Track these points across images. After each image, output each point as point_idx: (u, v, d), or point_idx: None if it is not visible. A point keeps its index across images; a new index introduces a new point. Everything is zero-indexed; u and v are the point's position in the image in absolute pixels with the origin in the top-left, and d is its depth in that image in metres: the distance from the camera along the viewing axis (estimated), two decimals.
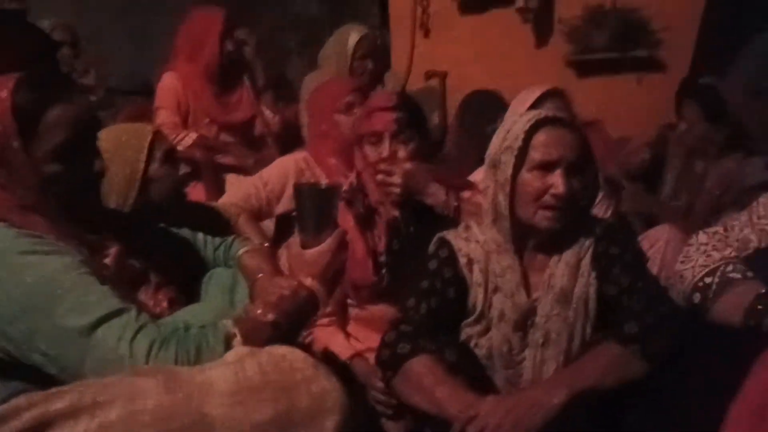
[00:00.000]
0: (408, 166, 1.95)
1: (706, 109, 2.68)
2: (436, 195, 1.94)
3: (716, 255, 1.62)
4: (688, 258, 1.66)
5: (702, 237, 1.68)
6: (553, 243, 1.58)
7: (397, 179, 1.93)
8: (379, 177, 1.95)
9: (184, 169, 2.02)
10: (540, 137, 1.53)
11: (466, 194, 2.01)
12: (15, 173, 1.26)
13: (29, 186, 1.27)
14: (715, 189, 2.68)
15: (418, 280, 1.62)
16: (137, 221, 1.61)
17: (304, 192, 1.41)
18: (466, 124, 3.05)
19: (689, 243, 1.70)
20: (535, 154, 1.52)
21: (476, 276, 1.59)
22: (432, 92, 3.65)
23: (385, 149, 1.97)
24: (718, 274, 1.59)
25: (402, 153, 1.97)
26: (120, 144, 1.78)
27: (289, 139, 3.22)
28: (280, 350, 0.76)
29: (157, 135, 1.90)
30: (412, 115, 2.03)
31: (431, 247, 1.67)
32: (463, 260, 1.60)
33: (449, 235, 1.65)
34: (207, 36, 2.96)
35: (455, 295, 1.59)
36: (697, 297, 1.59)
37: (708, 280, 1.59)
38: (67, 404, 0.63)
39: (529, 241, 1.60)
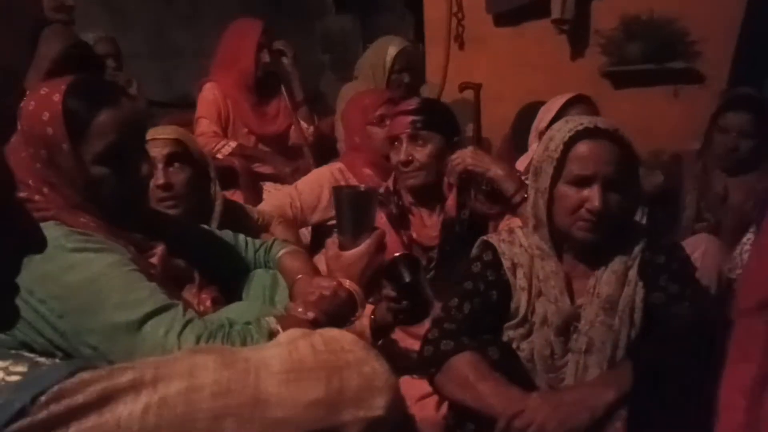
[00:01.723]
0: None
1: (761, 122, 2.62)
2: (506, 177, 1.99)
3: None
4: None
5: None
6: (598, 252, 1.57)
7: (468, 157, 2.01)
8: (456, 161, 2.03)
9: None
10: (578, 150, 1.51)
11: None
12: (65, 174, 1.29)
13: (79, 187, 1.30)
14: (746, 205, 2.63)
15: (461, 281, 1.63)
16: (182, 222, 1.64)
17: (343, 195, 1.43)
18: (514, 134, 3.08)
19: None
20: (573, 167, 1.51)
21: (520, 280, 1.59)
22: (466, 104, 3.66)
23: (402, 152, 2.01)
24: None
25: (418, 155, 2.02)
26: None
27: (325, 151, 3.26)
28: (332, 332, 0.78)
29: None
30: (431, 117, 2.06)
31: (474, 251, 1.67)
32: (507, 263, 1.60)
33: (492, 238, 1.66)
34: (244, 46, 3.02)
35: (498, 297, 1.59)
36: None
37: None
38: (130, 379, 0.65)
39: (570, 248, 1.59)
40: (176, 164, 1.89)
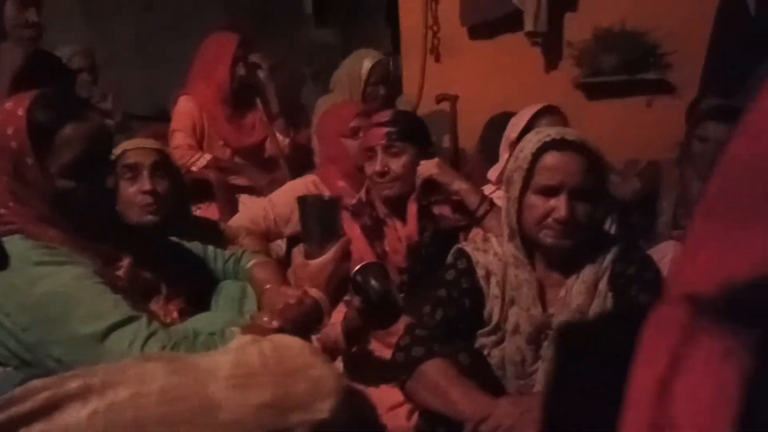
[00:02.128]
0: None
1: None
2: (469, 190, 2.04)
3: None
4: None
5: None
6: (570, 261, 1.60)
7: (433, 166, 2.07)
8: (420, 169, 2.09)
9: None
10: (546, 160, 1.54)
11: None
12: (30, 187, 1.29)
13: (45, 200, 1.30)
14: None
15: (435, 288, 1.65)
16: (149, 234, 1.64)
17: (308, 203, 1.45)
18: (484, 144, 3.10)
19: None
20: (539, 178, 1.54)
21: (493, 288, 1.61)
22: (443, 116, 3.69)
23: (378, 162, 2.04)
24: None
25: (394, 166, 2.05)
26: None
27: (302, 162, 3.27)
28: (282, 339, 0.79)
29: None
30: (405, 128, 2.10)
31: (449, 258, 1.69)
32: (481, 272, 1.62)
33: (467, 246, 1.69)
34: (220, 59, 3.03)
35: (471, 305, 1.61)
36: None
37: None
38: (78, 386, 0.65)
39: (542, 257, 1.61)
40: (160, 172, 1.92)
